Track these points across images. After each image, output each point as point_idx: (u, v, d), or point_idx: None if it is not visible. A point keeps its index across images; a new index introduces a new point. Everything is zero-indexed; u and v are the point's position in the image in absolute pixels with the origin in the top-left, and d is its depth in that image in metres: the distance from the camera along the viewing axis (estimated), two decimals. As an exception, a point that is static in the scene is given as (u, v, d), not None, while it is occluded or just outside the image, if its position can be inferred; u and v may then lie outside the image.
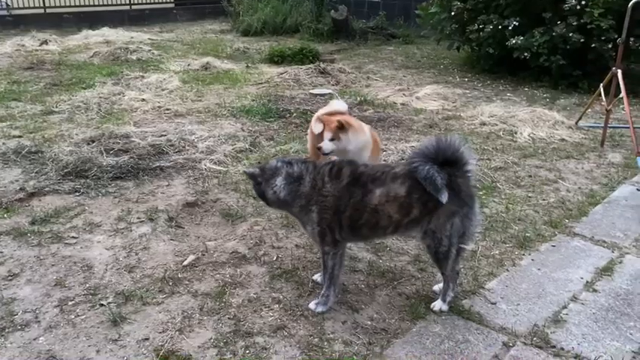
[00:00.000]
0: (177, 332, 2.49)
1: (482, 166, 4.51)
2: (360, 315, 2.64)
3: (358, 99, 6.64)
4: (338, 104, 3.64)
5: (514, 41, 7.25)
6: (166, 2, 15.72)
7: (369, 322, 2.59)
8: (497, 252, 3.24)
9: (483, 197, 3.96)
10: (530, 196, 4.03)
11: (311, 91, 7.06)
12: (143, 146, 4.66)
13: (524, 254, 3.23)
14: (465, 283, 2.92)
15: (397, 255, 3.18)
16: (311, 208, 2.57)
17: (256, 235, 3.38)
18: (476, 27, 7.79)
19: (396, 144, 4.88)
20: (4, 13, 12.91)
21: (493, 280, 2.95)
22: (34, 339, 2.43)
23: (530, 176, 4.41)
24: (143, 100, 6.30)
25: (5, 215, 3.55)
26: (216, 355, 2.36)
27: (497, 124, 5.71)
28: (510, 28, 7.36)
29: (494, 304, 2.74)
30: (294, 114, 5.97)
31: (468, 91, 7.32)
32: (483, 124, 5.75)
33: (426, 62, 9.46)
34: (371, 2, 13.19)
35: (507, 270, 3.06)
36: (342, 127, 3.20)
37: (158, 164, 4.41)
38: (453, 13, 8.13)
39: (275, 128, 5.54)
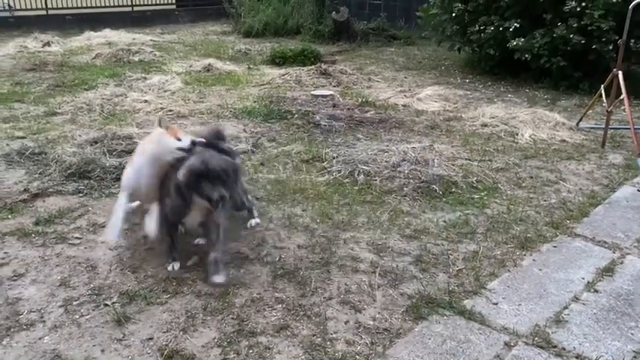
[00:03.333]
0: (181, 332, 2.51)
1: (484, 167, 4.53)
2: (362, 315, 2.66)
3: (360, 100, 6.66)
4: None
5: (515, 43, 7.27)
6: (168, 4, 15.76)
7: (372, 322, 2.61)
8: (498, 252, 3.26)
9: (485, 198, 3.98)
10: (531, 197, 4.04)
11: (312, 92, 7.07)
12: (146, 147, 4.67)
13: (525, 255, 3.24)
14: (466, 283, 2.93)
15: (399, 255, 3.19)
16: None
17: (259, 236, 3.40)
18: (477, 28, 7.81)
19: (398, 145, 4.90)
20: (7, 14, 12.95)
21: (495, 281, 2.96)
22: (40, 338, 2.45)
23: (531, 177, 4.43)
24: (145, 101, 6.32)
25: (9, 216, 3.57)
26: (220, 354, 2.38)
27: (498, 125, 5.72)
28: (511, 29, 7.37)
29: (496, 304, 2.76)
30: (296, 115, 5.98)
31: (469, 93, 7.34)
32: (484, 125, 5.76)
33: (427, 63, 9.48)
34: (372, 4, 13.22)
35: (509, 270, 3.07)
36: None
37: (161, 165, 4.42)
38: (453, 15, 8.14)
39: (277, 129, 5.56)
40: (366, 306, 2.73)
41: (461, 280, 2.96)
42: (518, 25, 7.33)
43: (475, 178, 4.27)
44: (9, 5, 13.16)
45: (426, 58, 9.95)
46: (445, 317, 2.65)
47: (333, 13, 11.51)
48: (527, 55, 7.27)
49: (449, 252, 3.24)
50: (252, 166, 4.56)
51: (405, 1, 12.40)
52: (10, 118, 5.73)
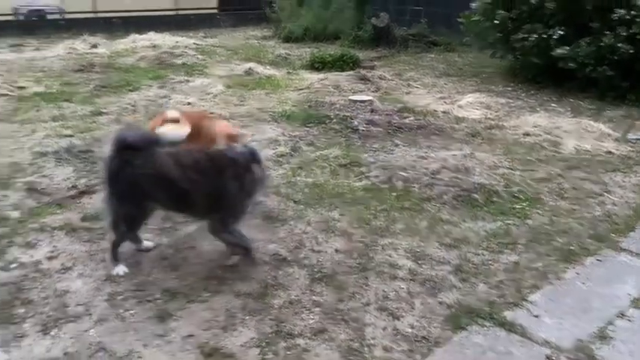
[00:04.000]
0: (220, 330, 2.55)
1: (526, 176, 4.45)
2: (400, 322, 2.65)
3: (398, 106, 6.64)
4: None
5: (559, 51, 7.12)
6: (210, 8, 16.06)
7: (410, 330, 2.60)
8: (540, 264, 3.20)
9: (527, 209, 3.91)
10: (574, 209, 3.95)
11: (351, 97, 7.08)
12: (188, 148, 4.77)
13: (568, 268, 3.17)
14: (507, 294, 2.89)
15: (438, 264, 3.17)
16: None
17: (297, 239, 3.43)
18: (520, 36, 7.68)
19: (437, 152, 4.87)
20: (58, 17, 13.43)
21: (536, 293, 2.91)
22: (86, 331, 2.53)
23: (574, 188, 4.32)
24: (188, 103, 6.44)
25: (59, 211, 3.70)
26: (259, 354, 2.41)
27: (541, 135, 5.61)
28: (555, 37, 7.22)
29: (538, 317, 2.71)
30: (334, 120, 6.00)
31: (511, 101, 7.22)
32: (527, 134, 5.66)
33: (467, 70, 9.37)
34: (413, 10, 13.14)
35: (551, 283, 3.01)
36: None
37: (202, 166, 4.51)
38: (496, 22, 8.03)
39: (315, 133, 5.59)
40: (404, 313, 2.72)
41: (501, 291, 2.91)
42: (562, 33, 7.18)
43: (517, 188, 4.20)
44: (60, 8, 13.65)
45: (466, 65, 9.83)
46: (485, 328, 2.61)
47: (373, 18, 11.51)
48: (571, 64, 7.10)
49: (489, 262, 3.20)
50: (290, 169, 4.60)
51: (447, 8, 12.28)
52: (59, 116, 5.93)
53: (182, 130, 3.67)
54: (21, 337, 2.46)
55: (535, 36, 7.41)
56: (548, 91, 7.77)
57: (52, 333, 2.50)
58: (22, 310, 2.65)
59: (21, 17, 13.15)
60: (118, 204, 2.93)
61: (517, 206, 3.96)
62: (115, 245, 3.03)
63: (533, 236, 3.53)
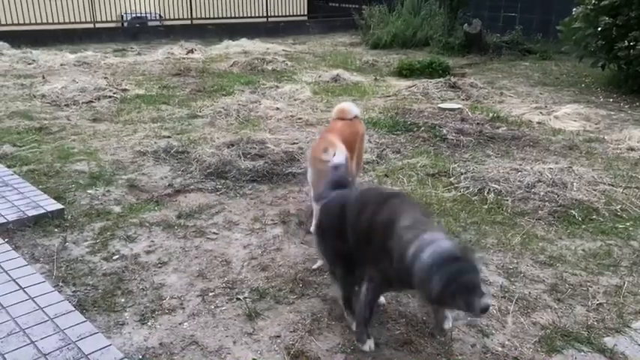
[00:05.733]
0: (306, 333, 2.57)
1: (630, 194, 4.15)
2: (490, 340, 2.55)
3: (490, 115, 6.42)
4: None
5: (671, 60, 6.61)
6: (300, 15, 16.42)
7: (500, 349, 2.49)
8: (646, 290, 2.96)
9: (630, 229, 3.64)
10: (687, 232, 3.63)
11: (440, 105, 6.95)
12: (277, 152, 4.88)
13: (679, 295, 2.92)
14: (607, 319, 2.70)
15: (532, 282, 3.02)
16: None
17: (383, 247, 3.39)
18: (626, 44, 7.20)
19: (532, 164, 4.65)
20: (157, 23, 14.28)
21: (641, 320, 2.70)
22: (179, 324, 2.64)
23: (687, 210, 3.98)
24: (277, 108, 6.61)
25: (156, 208, 3.91)
26: (344, 360, 2.41)
27: (647, 150, 5.22)
28: (668, 45, 6.72)
29: (643, 346, 2.51)
30: (422, 128, 5.91)
31: (613, 113, 6.78)
32: (631, 149, 5.28)
33: (565, 80, 8.92)
34: (507, 16, 12.73)
35: (659, 311, 2.78)
36: None
37: (290, 170, 4.60)
38: (599, 29, 7.58)
39: (402, 141, 5.53)
40: (494, 331, 2.62)
41: (601, 316, 2.73)
42: (676, 41, 6.66)
43: (619, 206, 3.92)
44: (159, 16, 14.51)
45: (564, 74, 9.36)
46: (582, 353, 2.46)
47: (465, 25, 11.25)
48: (685, 75, 6.57)
49: (588, 283, 3.01)
50: (376, 177, 4.58)
51: (544, 14, 11.79)
52: (158, 118, 6.28)
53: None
54: (122, 324, 2.62)
55: (643, 44, 6.93)
56: (656, 103, 7.23)
57: (149, 323, 2.63)
58: (122, 300, 2.81)
59: (125, 24, 14.13)
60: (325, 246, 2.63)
61: (619, 226, 3.69)
62: (346, 300, 2.62)
63: (638, 259, 3.27)
